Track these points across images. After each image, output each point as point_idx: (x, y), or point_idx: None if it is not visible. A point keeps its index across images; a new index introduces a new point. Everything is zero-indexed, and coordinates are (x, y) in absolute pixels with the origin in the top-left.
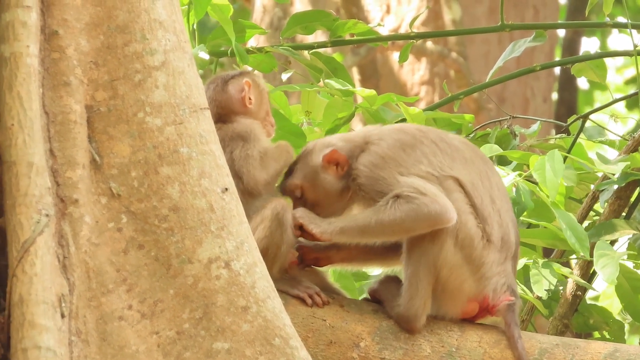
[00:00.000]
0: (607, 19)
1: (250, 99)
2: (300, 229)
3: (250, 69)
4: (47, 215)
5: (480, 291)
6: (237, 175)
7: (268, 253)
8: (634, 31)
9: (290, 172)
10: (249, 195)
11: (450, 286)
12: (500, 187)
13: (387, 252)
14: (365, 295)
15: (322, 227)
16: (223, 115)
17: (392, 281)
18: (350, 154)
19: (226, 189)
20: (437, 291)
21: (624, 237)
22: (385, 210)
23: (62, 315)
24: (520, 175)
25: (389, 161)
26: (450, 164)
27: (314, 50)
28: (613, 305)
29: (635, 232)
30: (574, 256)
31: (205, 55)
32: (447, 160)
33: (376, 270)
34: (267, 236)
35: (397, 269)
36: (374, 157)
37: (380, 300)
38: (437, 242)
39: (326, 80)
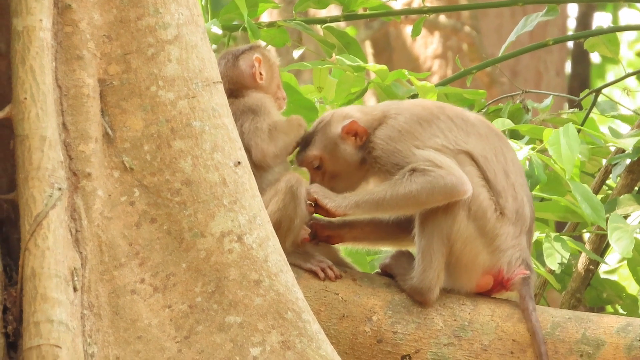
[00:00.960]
0: None
1: (261, 74)
2: (315, 205)
3: (262, 43)
4: (59, 189)
5: (495, 264)
6: (246, 149)
7: (281, 226)
8: None
9: (307, 143)
10: (259, 168)
11: (465, 259)
12: (515, 162)
13: (399, 231)
14: (377, 270)
15: (336, 202)
16: (235, 90)
17: (404, 256)
18: (368, 126)
19: (239, 163)
20: (451, 264)
21: (637, 212)
22: (402, 184)
23: (75, 289)
24: (534, 149)
25: (406, 134)
26: (465, 139)
27: (326, 24)
28: (631, 283)
29: None
30: (587, 230)
31: (218, 30)
32: (462, 135)
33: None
34: (280, 209)
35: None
36: (391, 130)
37: (392, 274)
38: (450, 215)
39: (337, 57)
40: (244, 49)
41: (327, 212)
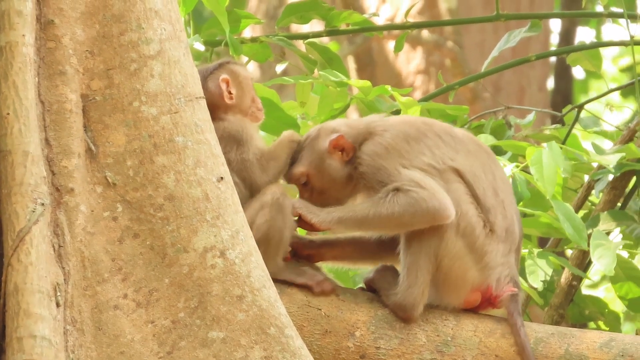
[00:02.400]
0: (602, 9)
1: (230, 93)
2: (299, 219)
3: (230, 59)
4: (42, 204)
5: (484, 280)
6: (236, 180)
7: (270, 239)
8: (629, 21)
9: (294, 160)
10: (251, 195)
11: (453, 275)
12: (504, 180)
13: (380, 250)
14: (360, 285)
15: (320, 217)
16: (210, 111)
17: (388, 270)
18: (354, 141)
19: (222, 178)
20: (439, 281)
21: (619, 228)
22: (384, 204)
23: (57, 304)
24: (517, 166)
25: (392, 152)
26: (452, 156)
27: (309, 40)
28: (615, 299)
29: (630, 222)
30: (568, 246)
31: (200, 47)
32: (449, 152)
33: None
34: (267, 221)
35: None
36: (377, 147)
37: (376, 289)
38: (437, 232)
39: (320, 72)
40: (212, 69)
41: (311, 227)
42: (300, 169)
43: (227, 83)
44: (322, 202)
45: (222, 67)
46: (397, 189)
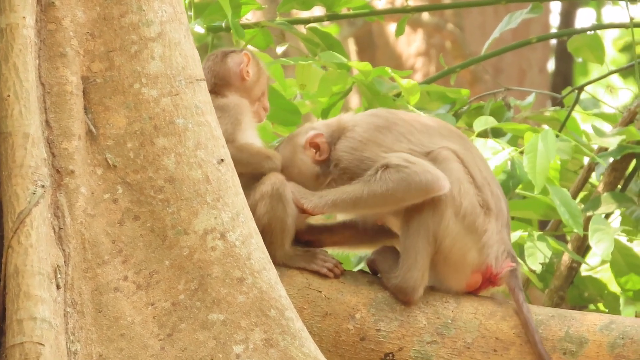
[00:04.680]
0: None
1: (248, 72)
2: None
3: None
4: (42, 187)
5: (483, 261)
6: None
7: (274, 228)
8: (629, 3)
9: (276, 149)
10: None
11: (454, 257)
12: (482, 159)
13: (379, 235)
14: (361, 266)
15: (313, 202)
16: (219, 86)
17: (389, 251)
18: (330, 140)
19: (222, 160)
20: (440, 264)
21: (619, 210)
22: (377, 182)
23: (58, 287)
24: (516, 150)
25: (368, 143)
26: (429, 140)
27: (310, 25)
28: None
29: (630, 204)
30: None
31: (200, 29)
32: (425, 138)
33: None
34: (268, 211)
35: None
36: (352, 142)
37: (377, 271)
38: (437, 212)
39: (321, 53)
40: (232, 50)
41: (304, 212)
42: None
43: (249, 61)
44: None
45: (244, 50)
46: (386, 165)
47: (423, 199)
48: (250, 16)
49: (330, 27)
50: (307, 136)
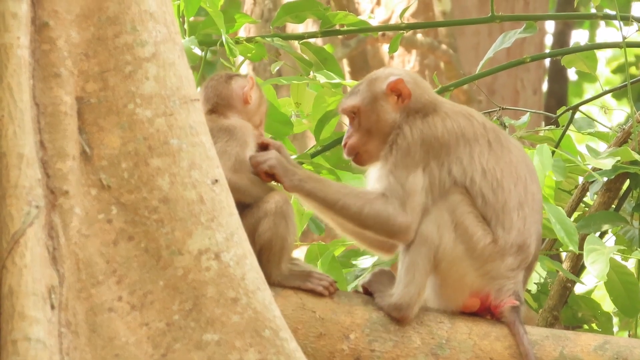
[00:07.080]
0: (595, 10)
1: (250, 96)
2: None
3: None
4: (37, 207)
5: (483, 287)
6: None
7: (273, 246)
8: (622, 23)
9: (352, 92)
10: None
11: (451, 279)
12: (535, 198)
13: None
14: (353, 286)
15: (292, 182)
16: (221, 106)
17: (384, 274)
18: (414, 99)
19: (216, 181)
20: (437, 284)
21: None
22: (359, 199)
23: (52, 307)
24: None
25: (434, 145)
26: (486, 166)
27: (304, 40)
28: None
29: (623, 224)
30: (563, 248)
31: (197, 51)
32: (491, 161)
33: (367, 263)
34: (270, 228)
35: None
36: (428, 130)
37: (371, 292)
38: (437, 234)
39: (315, 73)
40: (236, 74)
41: (282, 185)
42: (352, 102)
43: (252, 86)
44: (365, 142)
45: (248, 75)
46: (383, 195)
47: (387, 239)
48: (243, 31)
49: (324, 47)
50: (387, 81)
